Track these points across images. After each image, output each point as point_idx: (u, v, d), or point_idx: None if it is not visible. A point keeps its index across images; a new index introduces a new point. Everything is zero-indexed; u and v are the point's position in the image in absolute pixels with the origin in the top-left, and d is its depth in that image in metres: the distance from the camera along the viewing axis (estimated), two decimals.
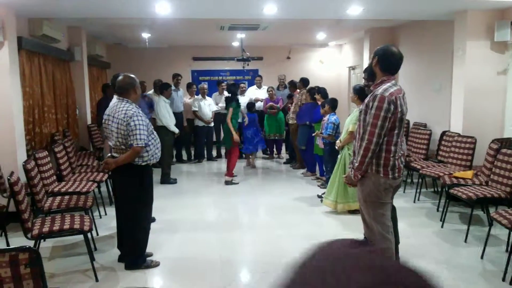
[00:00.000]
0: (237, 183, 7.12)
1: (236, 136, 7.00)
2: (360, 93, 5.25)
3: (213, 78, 11.53)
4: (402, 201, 5.89)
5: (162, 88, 7.22)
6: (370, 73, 3.15)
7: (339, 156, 5.45)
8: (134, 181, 3.70)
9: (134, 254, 3.82)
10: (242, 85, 9.19)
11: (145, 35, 9.03)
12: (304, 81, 8.34)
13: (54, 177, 5.01)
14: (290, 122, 8.15)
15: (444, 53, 6.84)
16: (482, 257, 3.98)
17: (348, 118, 5.37)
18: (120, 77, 3.78)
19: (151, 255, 4.07)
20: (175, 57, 11.32)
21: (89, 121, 8.17)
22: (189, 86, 9.04)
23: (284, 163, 8.85)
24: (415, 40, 7.98)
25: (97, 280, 3.57)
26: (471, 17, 5.79)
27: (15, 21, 5.20)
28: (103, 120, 3.76)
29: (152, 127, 3.89)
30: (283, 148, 9.64)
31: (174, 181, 7.24)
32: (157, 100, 7.06)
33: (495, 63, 5.80)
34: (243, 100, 8.86)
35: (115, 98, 3.83)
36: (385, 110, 2.84)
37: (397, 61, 3.03)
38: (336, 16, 6.59)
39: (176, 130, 7.21)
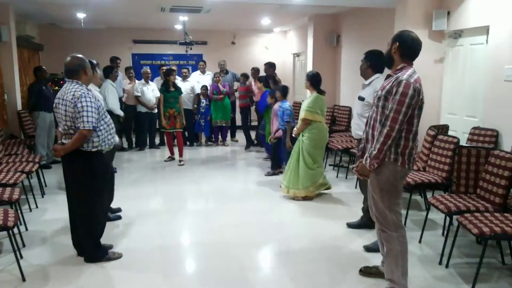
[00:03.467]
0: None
1: (163, 121, 7.35)
2: (313, 80, 5.22)
3: (156, 63, 11.14)
4: (344, 186, 5.98)
5: (107, 72, 6.85)
6: (388, 59, 3.03)
7: (296, 143, 5.45)
8: (83, 169, 3.47)
9: (91, 246, 3.64)
10: (184, 70, 8.93)
11: (80, 15, 8.48)
12: (272, 66, 8.37)
13: None
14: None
15: (385, 41, 6.93)
16: (420, 241, 4.10)
17: (303, 104, 5.33)
18: (68, 59, 3.53)
19: (111, 247, 3.89)
20: (114, 39, 10.80)
21: (19, 107, 7.60)
22: (126, 70, 8.64)
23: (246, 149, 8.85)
24: (357, 28, 8.07)
25: (24, 279, 3.29)
26: (411, 5, 5.89)
27: None
28: (54, 104, 3.51)
29: (105, 110, 3.65)
30: (229, 135, 9.55)
31: (114, 170, 6.91)
32: (103, 84, 6.63)
33: (432, 51, 5.96)
34: (185, 86, 8.65)
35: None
36: (411, 96, 2.76)
37: (418, 47, 2.94)
38: (279, 0, 6.49)
39: (121, 113, 6.94)
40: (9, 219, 3.26)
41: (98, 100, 3.58)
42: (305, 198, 5.39)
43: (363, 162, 2.98)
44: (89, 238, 3.65)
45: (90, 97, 3.42)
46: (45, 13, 8.56)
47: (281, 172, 7.10)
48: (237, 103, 9.41)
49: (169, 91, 7.31)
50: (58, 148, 3.46)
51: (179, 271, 3.64)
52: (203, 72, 9.44)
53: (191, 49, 9.00)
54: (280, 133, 6.27)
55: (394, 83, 2.85)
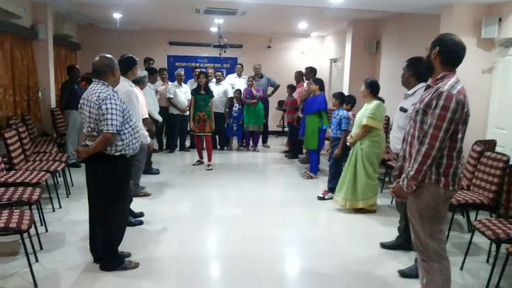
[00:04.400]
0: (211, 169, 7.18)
1: (191, 124, 7.21)
2: (372, 87, 4.94)
3: (190, 65, 11.09)
4: (378, 200, 5.62)
5: (148, 73, 6.73)
6: (427, 66, 2.71)
7: (350, 152, 5.16)
8: (105, 172, 3.34)
9: (107, 253, 3.49)
10: (218, 73, 8.78)
11: (117, 15, 8.49)
12: (314, 71, 7.98)
13: (2, 165, 4.55)
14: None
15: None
16: (461, 268, 3.72)
17: (360, 112, 5.05)
18: (96, 59, 3.41)
19: (129, 255, 3.73)
20: (150, 40, 10.80)
21: (53, 105, 7.65)
22: (160, 72, 8.55)
23: (286, 156, 8.53)
24: (399, 35, 7.68)
25: (35, 285, 3.16)
26: (457, 11, 5.51)
27: None
28: (79, 105, 3.40)
29: (130, 114, 3.49)
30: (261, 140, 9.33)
31: (157, 172, 6.87)
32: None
33: (480, 61, 5.55)
34: (218, 89, 8.50)
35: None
36: (453, 110, 2.45)
37: (461, 52, 2.61)
38: (318, 3, 6.22)
39: (160, 119, 6.84)
40: (24, 222, 3.14)
41: (123, 103, 3.44)
42: (359, 210, 5.13)
43: (400, 182, 2.66)
44: (107, 245, 3.49)
45: (115, 99, 3.27)
46: (83, 13, 8.63)
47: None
48: (285, 117, 9.09)
49: (199, 94, 7.17)
50: (81, 150, 3.33)
51: (193, 286, 3.41)
52: (239, 75, 9.27)
53: (225, 51, 8.87)
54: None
55: (433, 95, 2.52)
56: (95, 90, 3.29)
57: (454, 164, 2.56)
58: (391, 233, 4.29)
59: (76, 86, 7.10)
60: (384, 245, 4.14)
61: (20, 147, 5.11)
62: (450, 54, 2.60)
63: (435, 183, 2.57)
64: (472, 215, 4.72)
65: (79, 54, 10.05)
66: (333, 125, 5.83)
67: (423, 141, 2.51)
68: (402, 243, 4.05)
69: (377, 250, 4.11)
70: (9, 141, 4.76)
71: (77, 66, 7.43)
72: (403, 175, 2.65)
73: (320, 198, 5.69)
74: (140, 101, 4.63)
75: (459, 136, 2.54)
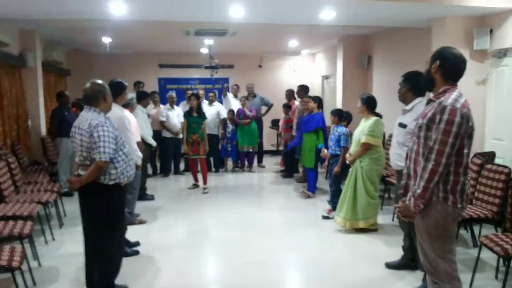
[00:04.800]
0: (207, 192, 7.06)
1: (185, 147, 7.13)
2: (368, 103, 4.88)
3: (182, 87, 11.04)
4: (379, 218, 5.50)
5: (140, 97, 6.62)
6: (428, 81, 2.64)
7: (350, 170, 5.06)
8: (100, 203, 3.21)
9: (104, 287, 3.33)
10: (210, 94, 8.72)
11: (106, 40, 8.44)
12: (305, 89, 7.93)
13: None
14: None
15: (421, 63, 6.50)
16: (470, 286, 3.60)
17: (358, 129, 4.97)
18: (87, 85, 3.31)
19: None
20: (140, 64, 10.74)
21: (43, 133, 7.52)
22: (151, 95, 8.45)
23: (282, 176, 8.38)
24: (390, 49, 7.69)
25: None
26: (449, 24, 5.53)
27: None
28: (71, 133, 3.28)
29: (123, 140, 3.38)
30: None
31: (151, 198, 6.71)
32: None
33: (474, 72, 5.53)
34: (211, 110, 8.43)
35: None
36: (458, 125, 2.37)
37: (462, 65, 2.56)
38: (308, 21, 6.22)
39: (154, 143, 6.70)
40: (15, 259, 3.00)
41: (116, 129, 3.33)
42: (360, 230, 5.01)
43: (407, 202, 2.56)
44: (103, 279, 3.34)
45: (107, 126, 3.17)
46: (72, 38, 8.58)
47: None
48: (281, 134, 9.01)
49: (192, 116, 7.08)
50: (73, 180, 3.20)
51: None
52: (236, 95, 9.21)
53: (216, 73, 8.84)
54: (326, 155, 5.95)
55: (437, 109, 2.44)
56: (86, 118, 3.19)
57: (462, 180, 2.47)
58: (395, 252, 4.17)
59: (66, 113, 6.98)
60: (389, 265, 4.02)
61: (10, 178, 4.96)
62: (451, 67, 2.54)
63: (443, 201, 2.48)
64: (476, 229, 4.63)
65: (69, 80, 9.94)
66: (331, 141, 5.76)
67: (428, 157, 2.43)
68: (407, 262, 3.93)
69: (382, 270, 3.98)
70: None
71: (66, 93, 7.33)
72: (409, 194, 2.55)
73: (324, 217, 5.56)
74: (133, 125, 4.53)
75: (465, 151, 2.46)
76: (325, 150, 6.13)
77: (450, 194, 2.47)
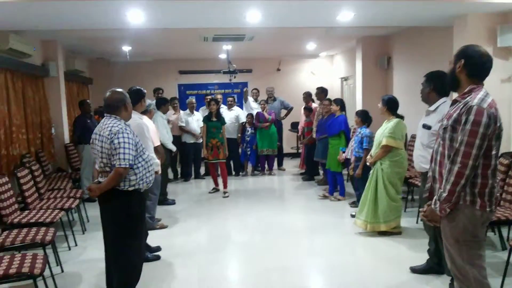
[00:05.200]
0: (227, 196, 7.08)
1: (204, 151, 7.15)
2: (389, 104, 4.81)
3: (201, 92, 11.09)
4: (403, 220, 5.37)
5: (160, 103, 6.72)
6: (452, 81, 2.56)
7: (370, 172, 4.99)
8: (120, 209, 3.23)
9: None
10: (229, 98, 8.74)
11: (126, 48, 8.55)
12: (324, 91, 7.92)
13: (16, 205, 4.48)
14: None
15: (443, 62, 6.38)
16: None
17: (380, 131, 4.90)
18: (108, 94, 3.35)
19: None
20: (160, 71, 10.86)
21: (66, 140, 7.65)
22: (171, 101, 8.50)
23: (303, 178, 8.33)
24: (411, 49, 7.56)
25: None
26: (471, 22, 5.38)
27: None
28: (91, 140, 3.32)
29: (143, 147, 3.40)
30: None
31: (173, 202, 6.75)
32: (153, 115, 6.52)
33: (498, 70, 5.35)
34: (230, 115, 8.45)
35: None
36: (485, 125, 2.30)
37: (488, 63, 2.48)
38: (326, 23, 6.16)
39: (174, 148, 6.77)
40: (36, 266, 3.03)
41: (136, 136, 3.35)
42: (383, 233, 4.91)
43: (432, 205, 2.48)
44: (123, 284, 3.35)
45: (127, 133, 3.19)
46: (93, 48, 8.72)
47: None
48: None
49: (211, 121, 7.10)
50: (93, 187, 3.22)
51: None
52: (256, 99, 9.22)
53: (234, 77, 8.84)
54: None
55: (462, 110, 2.36)
56: (107, 125, 3.21)
57: (490, 183, 2.38)
58: (420, 256, 4.06)
59: (88, 121, 7.10)
60: (414, 270, 3.91)
61: (34, 186, 5.05)
62: (476, 66, 2.46)
63: (471, 204, 2.39)
64: (504, 231, 4.49)
65: (91, 88, 10.12)
66: (355, 143, 5.68)
67: (454, 159, 2.35)
68: (433, 266, 3.83)
69: (407, 275, 3.88)
70: (22, 181, 4.71)
71: (88, 101, 7.44)
72: (435, 198, 2.47)
73: (353, 216, 5.45)
74: (151, 130, 4.56)
75: (493, 152, 2.37)
76: (342, 154, 6.08)
77: (478, 198, 2.38)
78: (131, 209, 3.29)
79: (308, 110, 8.25)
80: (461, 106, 2.40)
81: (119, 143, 3.11)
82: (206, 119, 7.19)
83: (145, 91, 4.54)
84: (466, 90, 2.47)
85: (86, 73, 9.83)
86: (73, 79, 8.73)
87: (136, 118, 4.22)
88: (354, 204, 6.01)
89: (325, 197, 6.69)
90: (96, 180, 3.38)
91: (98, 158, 3.26)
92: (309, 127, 8.07)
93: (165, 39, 7.91)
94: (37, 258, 3.16)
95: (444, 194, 2.38)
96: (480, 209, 2.38)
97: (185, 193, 7.59)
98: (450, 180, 2.35)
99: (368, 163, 5.04)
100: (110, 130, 3.15)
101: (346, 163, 6.23)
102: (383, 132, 4.77)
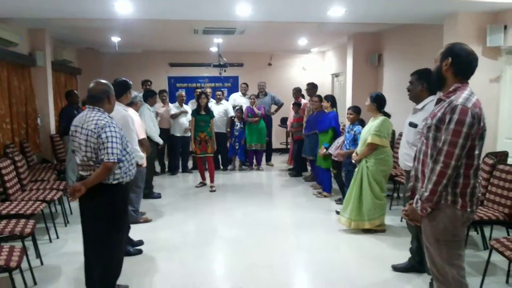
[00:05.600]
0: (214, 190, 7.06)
1: (192, 145, 7.07)
2: (377, 102, 4.78)
3: (191, 85, 11.01)
4: (387, 218, 5.38)
5: (147, 95, 6.63)
6: (438, 79, 2.52)
7: (355, 170, 4.97)
8: (103, 203, 3.16)
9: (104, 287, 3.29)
10: (218, 92, 8.68)
11: (115, 39, 8.45)
12: (315, 87, 7.89)
13: None
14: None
15: (432, 60, 6.39)
16: None
17: (365, 128, 4.88)
18: (92, 85, 3.26)
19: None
20: (150, 62, 10.76)
21: (52, 131, 7.56)
22: (160, 93, 8.42)
23: (290, 174, 8.32)
24: (401, 47, 7.55)
25: None
26: (461, 20, 5.38)
27: None
28: (70, 132, 3.23)
29: (127, 140, 3.35)
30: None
31: (158, 196, 6.69)
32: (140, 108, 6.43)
33: (487, 70, 5.38)
34: (219, 109, 8.40)
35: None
36: (469, 125, 2.27)
37: (474, 62, 2.46)
38: (317, 18, 6.12)
39: (161, 141, 6.70)
40: (13, 259, 2.97)
41: (121, 129, 3.29)
42: (367, 231, 4.91)
43: (414, 205, 2.47)
44: (104, 278, 3.29)
45: (114, 127, 3.12)
46: (82, 37, 8.61)
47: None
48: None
49: (200, 114, 7.05)
50: (78, 186, 3.05)
51: None
52: (244, 94, 9.16)
53: (225, 71, 8.80)
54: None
55: (447, 109, 2.34)
56: (91, 117, 3.12)
57: (472, 183, 2.36)
58: (403, 255, 4.06)
59: (75, 111, 6.98)
60: (396, 268, 3.91)
61: (16, 177, 4.97)
62: (463, 65, 2.43)
63: (452, 204, 2.37)
64: (487, 231, 4.51)
65: (80, 79, 10.00)
66: (346, 140, 5.66)
67: (437, 159, 2.32)
68: (415, 265, 3.83)
69: (389, 273, 3.88)
70: (3, 171, 4.62)
71: (75, 91, 7.35)
72: (417, 197, 2.45)
73: (338, 213, 5.42)
74: (136, 122, 4.50)
75: (476, 152, 2.35)
76: (324, 148, 6.13)
77: (459, 198, 2.36)
78: (115, 202, 3.23)
79: (297, 106, 8.22)
80: (446, 105, 2.37)
81: (106, 137, 3.04)
82: (195, 113, 7.13)
83: (130, 82, 4.47)
84: (451, 89, 2.44)
85: (75, 63, 9.71)
86: (61, 69, 8.62)
87: (121, 109, 4.16)
88: (340, 201, 6.00)
89: (321, 195, 6.65)
90: (78, 173, 3.30)
91: (79, 151, 3.17)
92: (298, 122, 8.04)
93: (155, 31, 7.82)
94: (14, 250, 3.10)
95: (426, 194, 2.36)
96: (461, 209, 2.36)
97: (172, 187, 7.54)
98: (433, 179, 2.33)
99: (353, 161, 5.02)
100: (96, 124, 3.07)
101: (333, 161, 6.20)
102: (369, 129, 4.75)
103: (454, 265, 2.41)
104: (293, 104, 8.34)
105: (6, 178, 4.66)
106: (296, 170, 8.26)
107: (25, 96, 6.80)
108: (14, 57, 6.38)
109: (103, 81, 3.34)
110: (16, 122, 6.46)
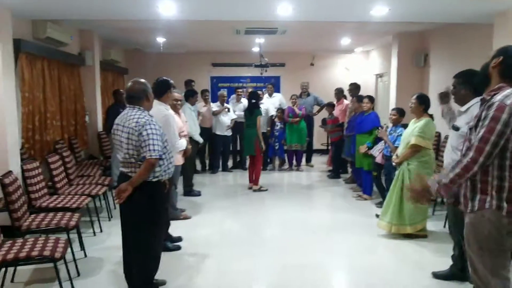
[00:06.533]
0: (266, 190, 7.05)
1: (263, 145, 7.01)
2: (426, 103, 4.63)
3: (233, 85, 11.10)
4: (429, 224, 5.20)
5: (188, 95, 6.80)
6: (482, 77, 2.46)
7: (396, 173, 4.86)
8: (142, 201, 3.24)
9: (142, 283, 3.39)
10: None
11: (160, 40, 8.67)
12: (358, 87, 7.86)
13: (45, 190, 4.62)
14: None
15: (482, 61, 6.13)
16: None
17: (408, 130, 4.76)
18: (130, 84, 3.37)
19: (164, 283, 3.65)
20: (193, 62, 10.95)
21: (100, 129, 7.86)
22: (202, 93, 8.55)
23: (328, 176, 8.25)
24: (449, 47, 7.28)
25: None
26: None
27: (10, 22, 4.86)
28: (112, 130, 3.37)
29: (166, 137, 3.45)
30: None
31: (198, 193, 6.82)
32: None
33: None
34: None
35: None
36: (504, 122, 2.17)
37: None
38: (359, 18, 6.00)
39: (201, 140, 6.82)
40: (58, 250, 3.11)
41: (160, 127, 3.37)
42: (408, 236, 4.78)
43: (431, 182, 2.46)
44: (142, 273, 3.38)
45: (154, 124, 3.21)
46: (128, 38, 8.89)
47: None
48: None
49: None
50: (123, 187, 3.14)
51: None
52: (270, 95, 9.16)
53: (266, 71, 8.82)
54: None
55: (484, 106, 2.26)
56: (132, 116, 3.21)
57: None
58: (444, 261, 3.92)
59: (121, 110, 7.17)
60: (436, 275, 3.79)
61: (64, 172, 5.20)
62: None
63: (497, 210, 2.25)
64: None
65: (127, 78, 10.31)
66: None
67: (466, 153, 2.26)
68: (456, 273, 3.69)
69: (429, 280, 3.76)
70: (52, 166, 4.86)
71: (121, 90, 7.59)
72: (437, 178, 2.42)
73: (378, 216, 5.32)
74: (177, 121, 4.59)
75: None
76: (366, 147, 6.06)
77: (505, 202, 2.25)
78: (155, 199, 3.31)
79: (331, 107, 8.13)
80: (487, 104, 2.29)
81: (147, 134, 3.12)
82: (259, 112, 7.10)
83: (172, 81, 4.57)
84: (495, 88, 2.34)
85: (122, 63, 10.02)
86: (109, 69, 8.92)
87: (163, 109, 4.26)
88: (381, 204, 5.87)
89: (361, 197, 6.54)
90: (120, 170, 3.39)
91: (121, 149, 3.26)
92: (333, 124, 7.95)
93: (198, 31, 7.96)
94: (59, 242, 3.25)
95: (446, 181, 2.33)
96: (507, 216, 2.25)
97: (212, 185, 7.65)
98: (456, 171, 2.30)
99: (393, 163, 4.89)
100: (137, 122, 3.15)
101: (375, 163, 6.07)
102: (412, 131, 4.62)
103: (498, 276, 2.29)
104: (326, 106, 8.28)
105: (54, 172, 4.89)
106: (335, 171, 8.17)
107: (74, 94, 7.10)
108: (64, 56, 6.67)
109: (141, 80, 3.42)
110: (66, 119, 6.76)
